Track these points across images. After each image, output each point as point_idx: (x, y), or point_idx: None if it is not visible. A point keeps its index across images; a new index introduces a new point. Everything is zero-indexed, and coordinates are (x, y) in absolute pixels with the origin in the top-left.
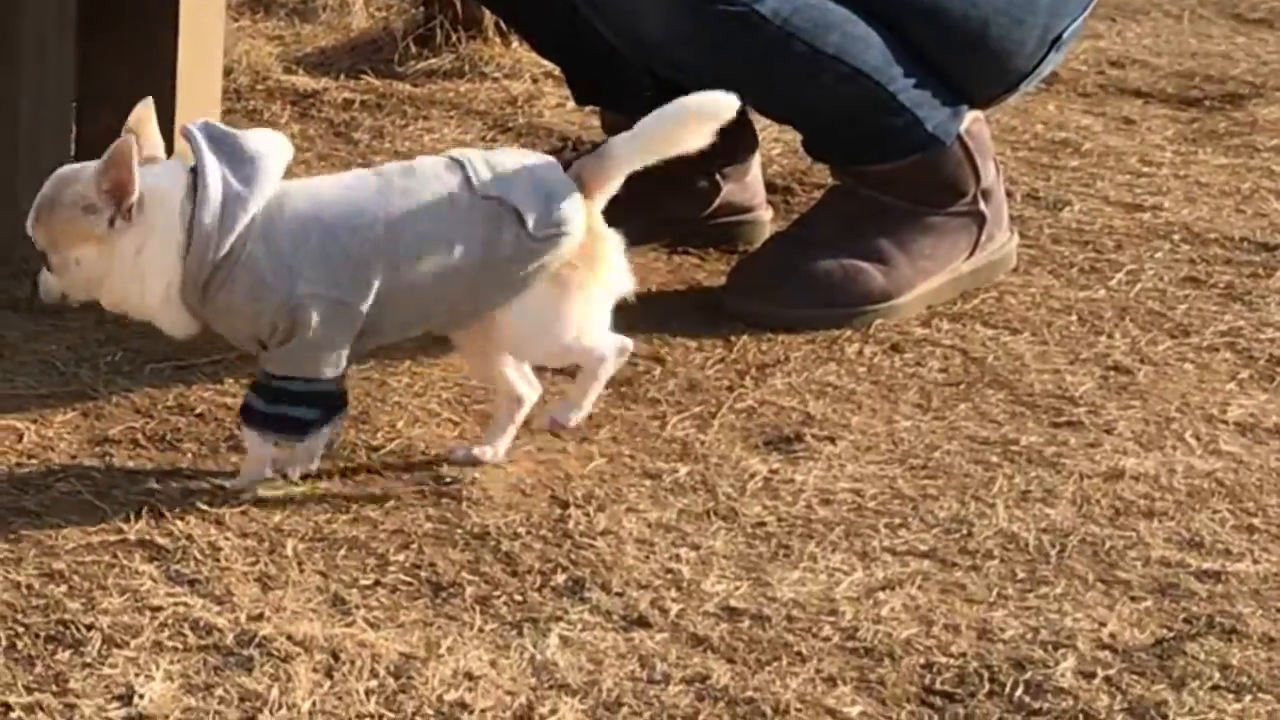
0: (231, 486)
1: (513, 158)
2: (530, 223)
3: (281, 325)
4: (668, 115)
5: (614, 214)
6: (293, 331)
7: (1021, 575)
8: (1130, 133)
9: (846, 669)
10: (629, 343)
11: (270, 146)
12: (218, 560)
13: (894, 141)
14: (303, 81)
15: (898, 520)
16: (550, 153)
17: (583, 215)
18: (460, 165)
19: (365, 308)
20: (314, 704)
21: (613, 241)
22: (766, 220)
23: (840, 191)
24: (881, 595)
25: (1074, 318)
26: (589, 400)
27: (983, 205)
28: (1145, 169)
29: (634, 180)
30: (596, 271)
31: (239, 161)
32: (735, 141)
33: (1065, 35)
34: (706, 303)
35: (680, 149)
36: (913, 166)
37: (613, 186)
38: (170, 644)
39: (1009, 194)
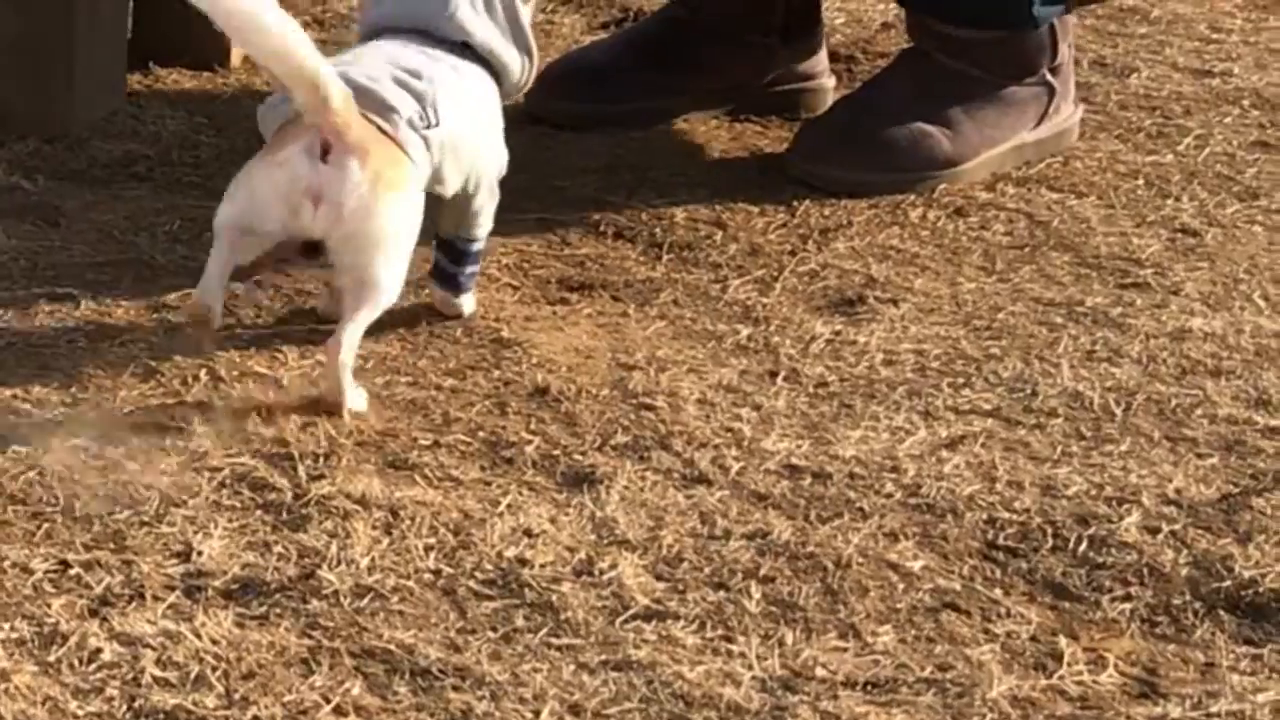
0: None
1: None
2: None
3: None
4: None
5: (677, 82)
6: None
7: (1086, 433)
8: (1199, 0)
9: (909, 525)
10: None
11: None
12: (275, 422)
13: (1000, 11)
14: None
15: (961, 380)
16: (608, 25)
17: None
18: None
19: None
20: (373, 560)
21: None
22: (829, 88)
23: (912, 56)
24: (944, 453)
25: (1140, 181)
26: None
27: (1053, 79)
28: (1215, 35)
29: (696, 47)
30: None
31: None
32: (799, 8)
33: None
34: (768, 168)
35: None
36: (1001, 39)
37: None
38: (228, 503)
39: (1076, 61)
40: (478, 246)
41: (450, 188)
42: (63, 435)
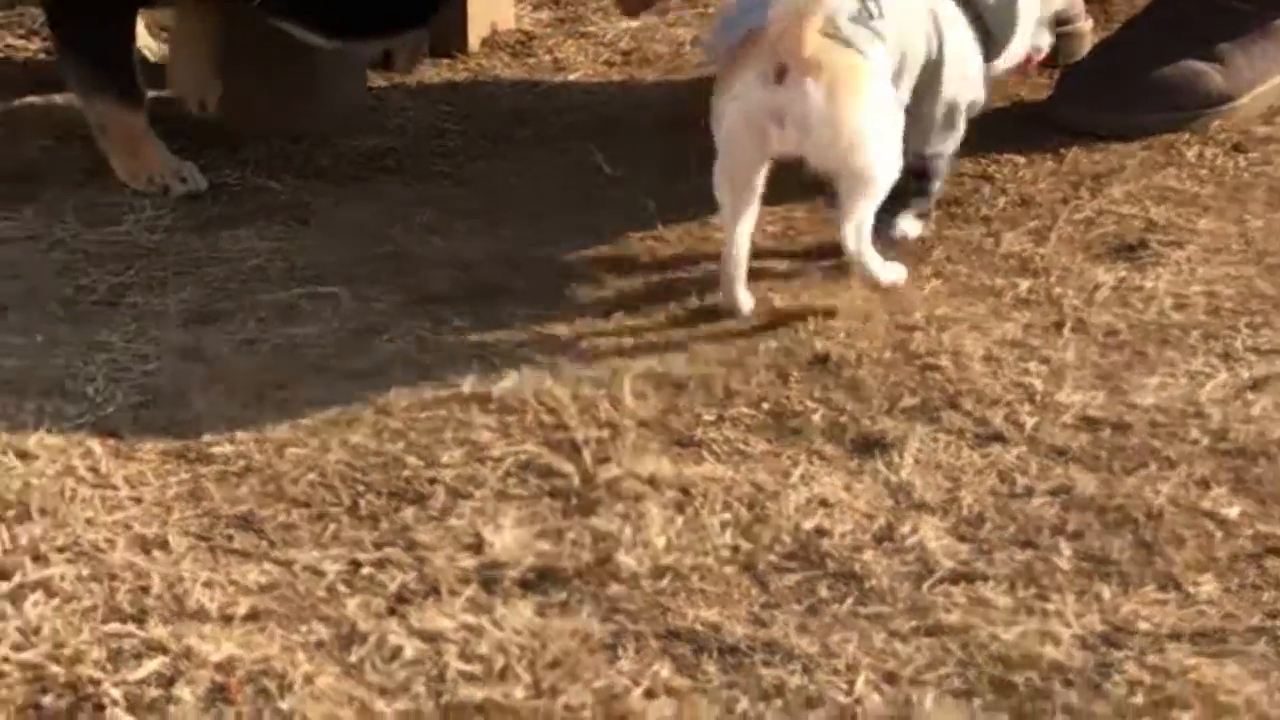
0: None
1: None
2: None
3: None
4: None
5: None
6: None
7: None
8: None
9: (1220, 470)
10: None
11: None
12: (555, 409)
13: None
14: None
15: (1259, 319)
16: None
17: None
18: None
19: None
20: (669, 540)
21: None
22: (1087, 31)
23: None
24: (1250, 395)
25: None
26: None
27: None
28: None
29: None
30: None
31: None
32: None
33: None
34: (1031, 118)
35: None
36: None
37: None
38: (515, 492)
39: None
40: (940, 164)
41: (901, 91)
42: (340, 435)
